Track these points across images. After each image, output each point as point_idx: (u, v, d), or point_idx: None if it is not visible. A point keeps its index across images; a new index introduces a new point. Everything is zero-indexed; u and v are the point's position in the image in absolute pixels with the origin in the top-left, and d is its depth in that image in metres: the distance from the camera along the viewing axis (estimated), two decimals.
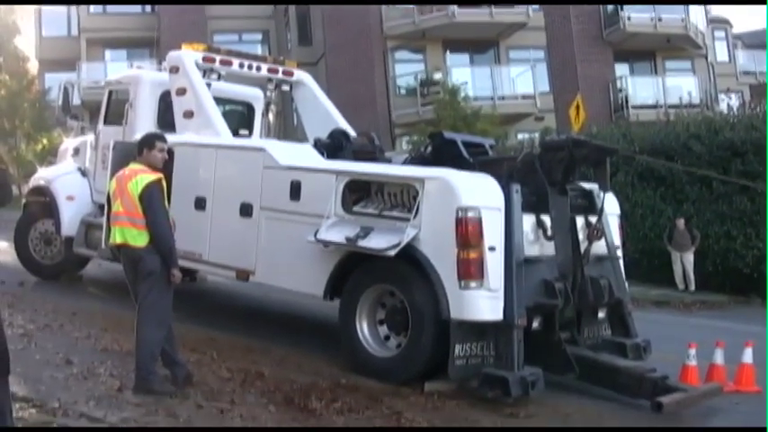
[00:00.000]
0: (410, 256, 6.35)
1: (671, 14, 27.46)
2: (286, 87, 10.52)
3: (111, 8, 32.57)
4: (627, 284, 7.49)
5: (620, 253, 7.49)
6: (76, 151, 10.89)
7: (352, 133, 9.42)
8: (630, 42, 27.39)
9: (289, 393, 5.89)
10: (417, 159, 8.05)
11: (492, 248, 6.18)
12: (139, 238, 5.69)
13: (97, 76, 26.19)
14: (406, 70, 28.28)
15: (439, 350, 6.24)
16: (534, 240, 6.67)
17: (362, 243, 6.54)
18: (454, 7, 26.12)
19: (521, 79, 27.44)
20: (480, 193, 6.32)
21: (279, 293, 8.60)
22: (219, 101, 9.39)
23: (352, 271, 6.85)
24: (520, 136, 24.92)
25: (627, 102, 27.00)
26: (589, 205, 7.27)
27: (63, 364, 6.21)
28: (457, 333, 6.13)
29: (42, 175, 11.11)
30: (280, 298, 9.45)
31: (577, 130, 17.70)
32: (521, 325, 6.13)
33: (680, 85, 27.01)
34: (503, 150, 16.04)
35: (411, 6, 27.04)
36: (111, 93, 10.28)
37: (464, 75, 26.96)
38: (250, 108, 10.60)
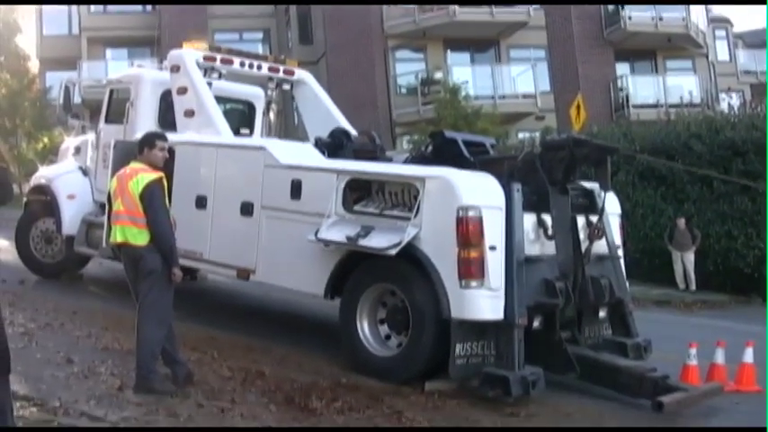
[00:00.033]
0: (411, 256, 6.34)
1: (672, 14, 27.42)
2: (287, 86, 10.53)
3: (111, 7, 32.62)
4: (627, 284, 7.49)
5: (620, 252, 7.49)
6: (77, 150, 10.88)
7: (353, 132, 9.43)
8: (631, 42, 27.35)
9: (289, 392, 5.88)
10: (418, 158, 8.04)
11: (493, 248, 6.18)
12: (140, 237, 5.69)
13: (98, 74, 26.06)
14: (407, 69, 28.31)
15: (440, 349, 6.24)
16: (535, 240, 6.66)
17: (363, 242, 6.53)
18: (455, 6, 26.14)
19: (521, 78, 27.45)
20: (481, 192, 6.32)
21: (279, 292, 8.60)
22: (220, 100, 9.40)
23: (353, 270, 6.85)
24: (520, 135, 24.97)
25: (627, 101, 26.93)
26: (590, 204, 7.27)
27: (64, 362, 6.21)
28: (458, 332, 6.12)
29: (43, 174, 11.10)
30: (280, 297, 9.43)
31: (578, 130, 17.67)
32: (521, 324, 6.13)
33: (681, 85, 26.93)
34: (503, 150, 15.99)
35: (412, 6, 27.05)
36: (112, 92, 10.28)
37: (465, 74, 26.98)
38: (251, 107, 10.60)
